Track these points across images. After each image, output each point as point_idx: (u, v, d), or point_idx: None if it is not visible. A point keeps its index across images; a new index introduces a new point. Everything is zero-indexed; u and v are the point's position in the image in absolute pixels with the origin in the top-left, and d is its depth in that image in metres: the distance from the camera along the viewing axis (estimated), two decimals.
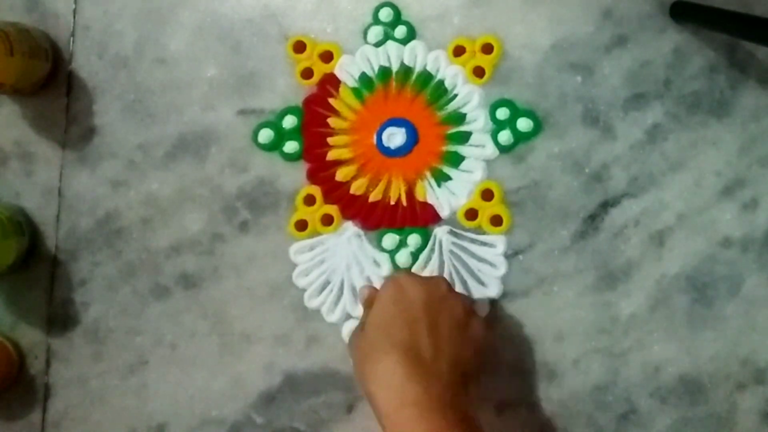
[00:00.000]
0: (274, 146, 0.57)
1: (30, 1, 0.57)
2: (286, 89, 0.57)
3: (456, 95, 0.57)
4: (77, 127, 0.57)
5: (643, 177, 0.56)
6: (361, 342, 0.48)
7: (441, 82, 0.57)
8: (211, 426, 0.56)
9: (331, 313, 0.56)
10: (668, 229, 0.56)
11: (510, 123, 0.56)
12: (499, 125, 0.56)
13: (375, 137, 0.57)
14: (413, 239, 0.56)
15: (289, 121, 0.57)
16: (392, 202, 0.57)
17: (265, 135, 0.57)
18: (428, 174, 0.57)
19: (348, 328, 0.56)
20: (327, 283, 0.56)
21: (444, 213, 0.56)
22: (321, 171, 0.57)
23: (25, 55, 0.53)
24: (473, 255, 0.56)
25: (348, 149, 0.57)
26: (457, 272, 0.56)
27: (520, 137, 0.56)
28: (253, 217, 0.57)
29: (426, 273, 0.56)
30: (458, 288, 0.56)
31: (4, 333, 0.56)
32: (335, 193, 0.57)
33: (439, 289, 0.49)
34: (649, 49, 0.56)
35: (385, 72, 0.57)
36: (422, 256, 0.56)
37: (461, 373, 0.46)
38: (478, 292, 0.56)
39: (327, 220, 0.57)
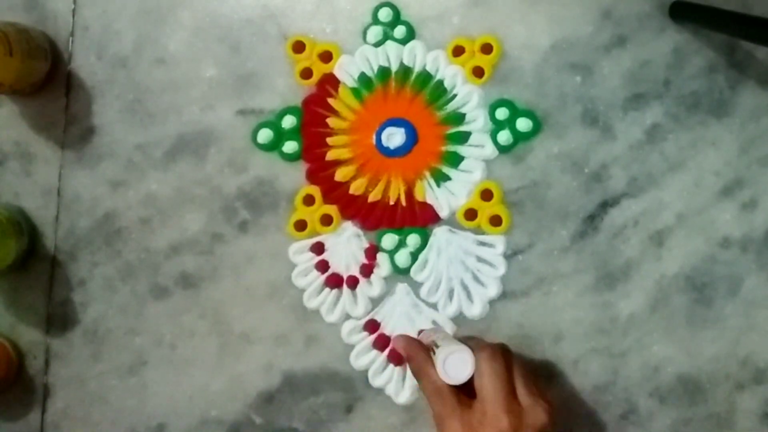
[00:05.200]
0: (274, 146, 0.57)
1: (29, 1, 0.57)
2: (285, 89, 0.57)
3: (455, 95, 0.57)
4: (76, 127, 0.57)
5: (643, 177, 0.56)
6: None
7: (440, 82, 0.57)
8: (210, 426, 0.56)
9: (331, 314, 0.56)
10: (667, 229, 0.56)
11: (509, 123, 0.56)
12: (498, 125, 0.56)
13: (374, 137, 0.57)
14: (412, 239, 0.56)
15: (289, 121, 0.57)
16: (391, 202, 0.57)
17: (265, 135, 0.57)
18: (427, 174, 0.57)
19: (347, 328, 0.56)
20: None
21: (443, 213, 0.56)
22: (320, 171, 0.57)
23: (24, 55, 0.53)
24: (472, 255, 0.56)
25: (347, 149, 0.57)
26: (456, 273, 0.56)
27: (519, 137, 0.56)
28: (252, 217, 0.57)
29: (425, 272, 0.56)
30: (457, 288, 0.56)
31: (3, 333, 0.56)
32: (334, 193, 0.57)
33: (545, 421, 0.46)
34: (648, 50, 0.56)
35: (384, 72, 0.57)
36: (421, 257, 0.56)
37: None
38: (477, 293, 0.56)
39: (326, 220, 0.57)
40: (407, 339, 0.52)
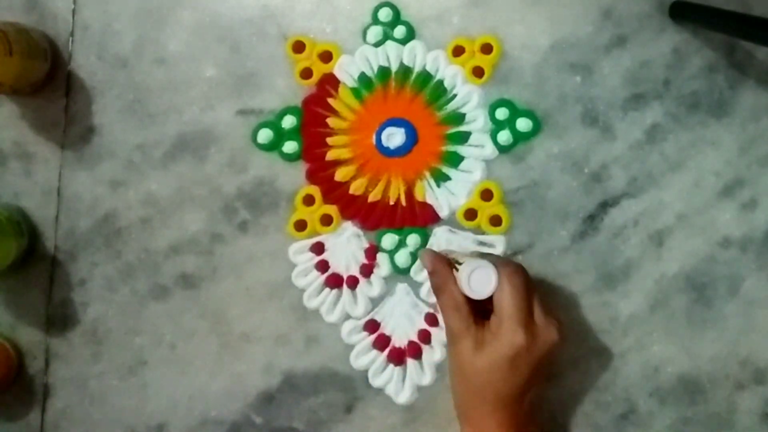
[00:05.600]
0: (274, 146, 0.57)
1: (29, 1, 0.57)
2: (285, 89, 0.57)
3: (455, 95, 0.57)
4: (76, 127, 0.57)
5: (643, 177, 0.56)
6: (472, 378, 0.48)
7: (440, 82, 0.57)
8: (210, 426, 0.56)
9: (330, 313, 0.56)
10: (667, 229, 0.56)
11: (509, 123, 0.56)
12: (498, 125, 0.56)
13: (374, 137, 0.57)
14: (412, 239, 0.56)
15: (289, 121, 0.57)
16: (391, 202, 0.57)
17: (265, 135, 0.57)
18: (427, 174, 0.57)
19: (347, 328, 0.56)
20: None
21: (443, 213, 0.56)
22: (320, 171, 0.57)
23: (24, 55, 0.53)
24: None
25: (347, 149, 0.57)
26: None
27: (519, 137, 0.56)
28: (252, 217, 0.57)
29: (425, 272, 0.56)
30: None
31: (3, 333, 0.56)
32: (334, 193, 0.57)
33: (556, 340, 0.48)
34: (648, 50, 0.56)
35: (384, 72, 0.57)
36: None
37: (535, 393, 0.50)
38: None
39: (326, 220, 0.57)
40: (433, 254, 0.52)
